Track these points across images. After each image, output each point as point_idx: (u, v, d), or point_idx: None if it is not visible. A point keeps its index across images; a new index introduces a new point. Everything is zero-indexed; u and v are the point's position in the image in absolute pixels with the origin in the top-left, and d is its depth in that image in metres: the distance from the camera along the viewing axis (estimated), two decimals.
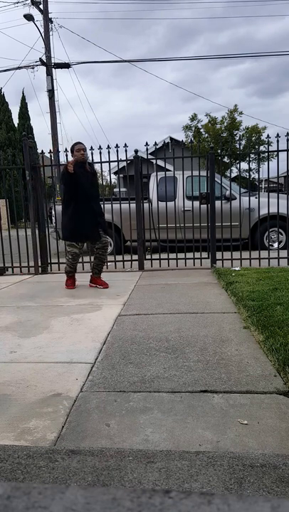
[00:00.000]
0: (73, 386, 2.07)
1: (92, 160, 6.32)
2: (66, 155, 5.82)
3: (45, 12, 15.79)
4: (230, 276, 4.69)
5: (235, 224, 6.04)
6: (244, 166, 21.13)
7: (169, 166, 9.82)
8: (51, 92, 16.13)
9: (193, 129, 20.74)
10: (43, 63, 15.64)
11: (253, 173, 20.11)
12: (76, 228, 4.50)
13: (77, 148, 4.51)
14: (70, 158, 4.67)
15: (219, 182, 6.79)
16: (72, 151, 4.60)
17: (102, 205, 4.80)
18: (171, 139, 22.50)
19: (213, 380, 2.04)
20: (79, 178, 4.42)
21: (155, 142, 6.01)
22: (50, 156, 6.10)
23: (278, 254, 5.69)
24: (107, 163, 5.88)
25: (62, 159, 7.07)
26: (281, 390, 1.92)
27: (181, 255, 6.12)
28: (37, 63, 15.71)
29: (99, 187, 4.75)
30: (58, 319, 3.36)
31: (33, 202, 5.81)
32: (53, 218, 7.39)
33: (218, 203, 5.96)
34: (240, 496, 0.32)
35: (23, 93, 28.78)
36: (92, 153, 5.98)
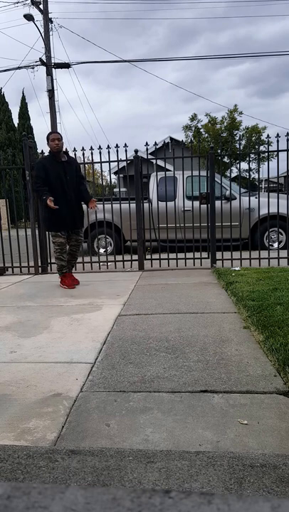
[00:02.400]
0: (73, 386, 2.07)
1: (92, 160, 6.33)
2: None
3: (45, 12, 15.79)
4: (230, 276, 4.69)
5: (235, 224, 6.04)
6: (244, 166, 21.15)
7: (169, 166, 9.82)
8: (51, 92, 16.13)
9: (193, 129, 20.73)
10: (43, 63, 15.64)
11: (253, 173, 20.11)
12: (57, 217, 4.56)
13: (52, 138, 4.52)
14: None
15: (219, 182, 6.79)
16: (47, 140, 4.61)
17: (81, 196, 4.80)
18: (171, 139, 22.51)
19: (213, 380, 2.04)
20: (54, 169, 4.49)
21: (155, 142, 6.01)
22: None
23: (278, 254, 5.69)
24: (107, 163, 5.88)
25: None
26: (281, 390, 1.92)
27: (181, 255, 6.12)
28: (37, 63, 15.72)
29: (78, 174, 4.74)
30: (58, 319, 3.36)
31: (33, 202, 5.80)
32: None
33: (218, 203, 5.96)
34: (240, 496, 0.32)
35: (23, 93, 28.85)
36: (92, 153, 5.98)
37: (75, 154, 5.71)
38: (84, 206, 4.88)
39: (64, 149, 4.71)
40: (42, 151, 5.84)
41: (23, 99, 26.69)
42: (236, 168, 16.12)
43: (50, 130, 16.71)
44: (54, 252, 4.78)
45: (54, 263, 6.11)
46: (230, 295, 3.88)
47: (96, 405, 1.85)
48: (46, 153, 4.92)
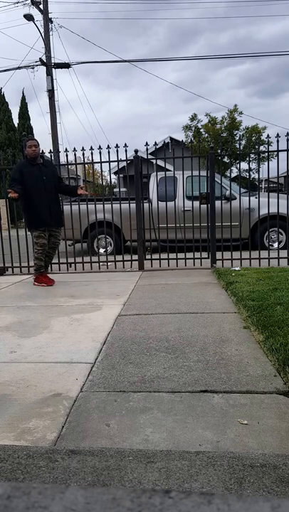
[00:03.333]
0: (73, 386, 2.07)
1: (92, 160, 6.33)
2: (66, 155, 5.84)
3: (45, 12, 15.79)
4: (230, 276, 4.69)
5: (235, 224, 6.04)
6: (244, 166, 21.14)
7: (169, 166, 9.83)
8: (51, 92, 16.13)
9: (193, 129, 20.73)
10: (43, 63, 15.64)
11: (253, 173, 20.11)
12: (36, 216, 4.82)
13: (29, 144, 4.81)
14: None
15: (219, 182, 6.79)
16: (25, 146, 4.92)
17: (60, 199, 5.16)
18: (171, 139, 22.51)
19: (213, 380, 2.05)
20: (30, 171, 4.75)
21: (155, 142, 6.01)
22: (50, 156, 6.10)
23: (278, 254, 5.69)
24: (107, 163, 5.88)
25: (63, 159, 7.07)
26: (281, 390, 1.92)
27: (181, 255, 6.12)
28: (37, 63, 15.72)
29: (55, 175, 5.05)
30: (58, 319, 3.36)
31: None
32: None
33: (218, 203, 5.96)
34: (240, 496, 0.32)
35: (23, 93, 28.84)
36: (92, 153, 5.98)
37: (74, 154, 5.71)
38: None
39: (40, 152, 5.05)
40: (42, 151, 5.84)
41: (23, 99, 26.70)
42: (236, 168, 16.12)
43: (50, 130, 16.72)
44: (35, 252, 5.03)
45: (54, 263, 6.12)
46: (230, 295, 3.88)
47: (96, 405, 1.85)
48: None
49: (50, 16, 15.96)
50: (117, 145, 5.58)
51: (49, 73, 15.76)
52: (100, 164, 5.94)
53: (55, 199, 4.97)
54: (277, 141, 5.31)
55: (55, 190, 4.95)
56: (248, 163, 18.07)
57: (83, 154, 5.79)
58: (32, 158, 4.80)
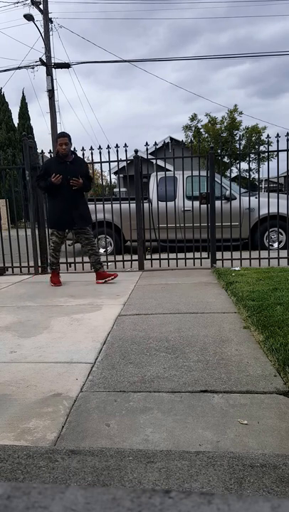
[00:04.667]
0: (73, 386, 2.07)
1: (92, 160, 6.33)
2: None
3: (45, 12, 15.79)
4: (230, 276, 4.69)
5: (235, 224, 6.04)
6: (244, 166, 21.13)
7: (169, 166, 9.82)
8: (51, 92, 16.13)
9: (193, 129, 20.73)
10: (43, 63, 15.64)
11: (253, 173, 20.11)
12: (54, 216, 4.78)
13: (60, 142, 4.65)
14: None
15: (219, 182, 6.79)
16: (56, 142, 4.77)
17: (86, 200, 4.99)
18: (171, 139, 22.50)
19: (213, 380, 2.04)
20: (56, 169, 4.61)
21: (155, 142, 6.01)
22: (50, 156, 6.10)
23: (278, 254, 5.69)
24: (107, 163, 5.88)
25: None
26: (281, 390, 1.92)
27: (181, 255, 6.12)
28: (37, 63, 15.72)
29: (84, 175, 4.79)
30: (58, 319, 3.36)
31: (33, 202, 5.80)
32: None
33: (218, 203, 5.96)
34: (240, 496, 0.32)
35: (23, 93, 28.86)
36: (92, 153, 5.98)
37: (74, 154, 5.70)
38: (91, 207, 5.03)
39: (72, 149, 4.87)
40: (42, 150, 5.85)
41: (23, 99, 26.70)
42: (236, 168, 16.12)
43: (50, 130, 16.72)
44: (48, 250, 5.04)
45: None
46: (230, 295, 3.88)
47: (96, 405, 1.85)
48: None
49: (50, 15, 15.97)
50: (117, 145, 5.58)
51: (49, 73, 15.76)
52: (100, 164, 5.93)
53: (80, 198, 4.76)
54: (277, 141, 5.31)
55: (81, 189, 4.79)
56: (248, 163, 18.07)
57: (83, 154, 5.78)
58: (61, 155, 4.65)
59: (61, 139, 4.63)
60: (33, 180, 5.44)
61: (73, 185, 4.64)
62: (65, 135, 4.65)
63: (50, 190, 4.68)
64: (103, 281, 4.92)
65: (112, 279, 4.93)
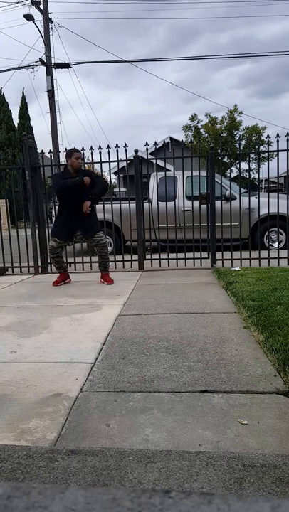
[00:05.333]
0: (73, 386, 2.07)
1: (92, 160, 6.33)
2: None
3: (45, 12, 15.79)
4: (230, 276, 4.69)
5: (235, 224, 6.04)
6: (244, 166, 21.13)
7: (169, 166, 9.82)
8: (51, 92, 16.13)
9: (193, 129, 20.73)
10: (43, 63, 15.64)
11: (253, 173, 20.11)
12: (57, 225, 4.86)
13: (76, 156, 4.75)
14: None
15: (219, 182, 6.79)
16: (70, 157, 4.77)
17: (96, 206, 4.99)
18: (171, 139, 22.50)
19: (213, 380, 2.04)
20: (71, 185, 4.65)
21: (155, 142, 6.01)
22: (50, 156, 6.10)
23: (278, 254, 5.69)
24: (107, 163, 5.88)
25: (62, 159, 7.07)
26: (281, 390, 1.92)
27: (181, 255, 6.12)
28: (37, 63, 15.72)
29: (93, 183, 4.78)
30: (58, 319, 3.36)
31: (33, 202, 5.80)
32: (53, 218, 7.39)
33: (218, 203, 5.96)
34: (240, 496, 0.32)
35: (23, 93, 28.82)
36: (92, 153, 5.98)
37: None
38: (98, 215, 5.08)
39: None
40: (42, 150, 5.85)
41: (23, 99, 26.68)
42: (236, 168, 16.12)
43: (50, 130, 16.72)
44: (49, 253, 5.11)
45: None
46: (230, 295, 3.88)
47: (96, 405, 1.85)
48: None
49: (50, 15, 15.97)
50: (117, 145, 5.58)
51: (49, 73, 15.76)
52: (100, 164, 5.93)
53: (90, 210, 4.77)
54: (277, 141, 5.31)
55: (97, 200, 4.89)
56: (248, 163, 18.07)
57: (83, 154, 5.79)
58: (75, 169, 4.74)
59: (77, 153, 4.77)
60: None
61: (86, 211, 4.68)
62: (79, 150, 4.86)
63: (60, 202, 4.74)
64: (103, 281, 4.98)
65: (107, 284, 4.90)
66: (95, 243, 4.87)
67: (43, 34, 15.78)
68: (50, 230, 5.01)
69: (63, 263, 5.05)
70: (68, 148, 4.87)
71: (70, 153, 4.78)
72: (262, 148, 13.29)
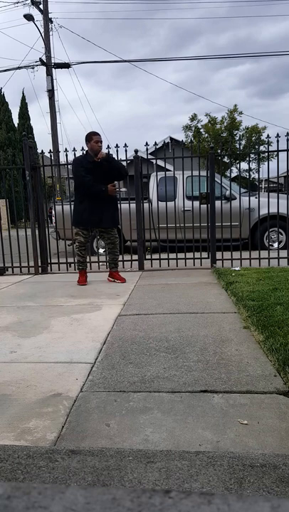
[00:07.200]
0: (73, 386, 2.06)
1: None
2: (66, 155, 5.83)
3: (45, 12, 15.79)
4: (230, 276, 4.69)
5: (235, 224, 6.04)
6: (244, 166, 21.12)
7: (169, 166, 9.82)
8: (51, 92, 16.14)
9: (193, 129, 20.72)
10: (43, 63, 15.64)
11: (253, 173, 20.10)
12: (81, 214, 4.72)
13: (96, 139, 4.59)
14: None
15: (219, 182, 6.79)
16: (89, 141, 4.63)
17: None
18: (171, 139, 22.50)
19: (213, 380, 2.04)
20: (89, 168, 4.57)
21: (155, 142, 6.01)
22: (50, 156, 6.10)
23: (278, 254, 5.69)
24: None
25: (62, 159, 7.07)
26: (281, 390, 1.92)
27: (181, 255, 6.12)
28: (37, 63, 15.72)
29: (112, 166, 4.70)
30: (58, 319, 3.36)
31: (33, 202, 5.80)
32: (53, 218, 7.38)
33: (218, 203, 5.96)
34: (240, 496, 0.32)
35: (23, 93, 28.78)
36: None
37: (74, 154, 5.70)
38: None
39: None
40: (42, 150, 5.85)
41: (23, 99, 26.69)
42: (236, 168, 16.12)
43: (50, 130, 16.71)
44: (75, 248, 5.03)
45: (54, 263, 6.12)
46: (230, 295, 3.88)
47: (96, 405, 1.85)
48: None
49: (50, 16, 15.98)
50: (117, 145, 5.58)
51: (49, 73, 15.77)
52: None
53: (111, 198, 4.74)
54: (277, 141, 5.31)
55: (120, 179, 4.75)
56: (248, 163, 18.07)
57: (83, 154, 5.78)
58: (96, 153, 4.60)
59: (97, 136, 4.59)
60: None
61: (111, 191, 4.63)
62: (98, 133, 4.64)
63: (80, 188, 4.62)
64: (112, 279, 5.00)
65: (119, 282, 4.93)
66: (110, 240, 4.89)
67: (43, 34, 15.79)
68: (71, 220, 4.85)
69: (86, 259, 5.04)
70: (87, 132, 4.72)
71: (89, 136, 4.62)
72: (262, 148, 13.29)
